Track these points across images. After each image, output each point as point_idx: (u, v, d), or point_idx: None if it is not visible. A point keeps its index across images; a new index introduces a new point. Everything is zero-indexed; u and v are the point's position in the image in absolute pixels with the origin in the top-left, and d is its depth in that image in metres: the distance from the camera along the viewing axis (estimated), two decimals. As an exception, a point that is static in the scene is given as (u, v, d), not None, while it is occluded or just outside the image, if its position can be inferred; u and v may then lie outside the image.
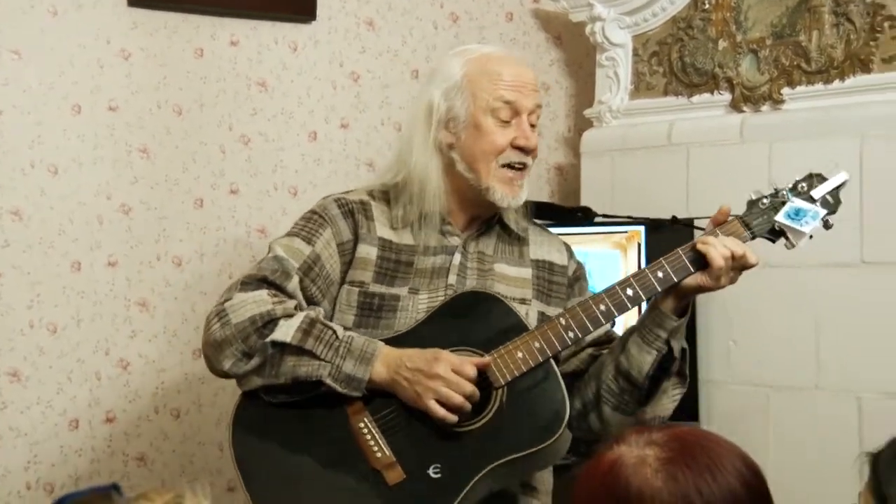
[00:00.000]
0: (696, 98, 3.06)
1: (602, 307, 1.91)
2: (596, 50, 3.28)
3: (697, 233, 2.51)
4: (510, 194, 2.00)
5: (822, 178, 1.97)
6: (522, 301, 2.03)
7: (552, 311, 2.04)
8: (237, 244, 2.98)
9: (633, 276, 1.92)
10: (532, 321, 1.98)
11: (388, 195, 2.07)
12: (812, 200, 1.95)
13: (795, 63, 2.84)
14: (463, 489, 1.83)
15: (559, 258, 2.12)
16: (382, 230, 2.03)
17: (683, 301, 1.93)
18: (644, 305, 2.00)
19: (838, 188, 1.97)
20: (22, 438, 2.69)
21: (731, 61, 2.98)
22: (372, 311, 1.97)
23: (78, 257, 2.76)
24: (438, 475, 1.85)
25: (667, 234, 2.80)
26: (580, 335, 1.91)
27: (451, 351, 1.87)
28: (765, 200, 1.96)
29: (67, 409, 2.75)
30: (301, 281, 1.96)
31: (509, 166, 2.00)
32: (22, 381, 2.69)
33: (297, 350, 1.86)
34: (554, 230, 2.25)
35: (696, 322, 2.83)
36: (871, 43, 2.70)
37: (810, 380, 2.75)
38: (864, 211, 2.66)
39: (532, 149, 2.01)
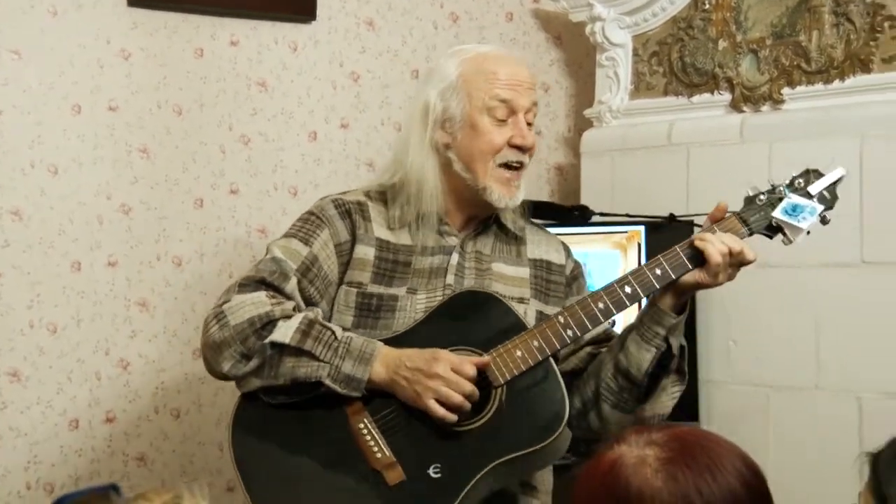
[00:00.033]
0: (696, 98, 3.07)
1: (600, 305, 1.91)
2: (596, 50, 3.28)
3: (697, 231, 2.51)
4: (507, 195, 2.00)
5: (818, 174, 1.97)
6: (520, 300, 2.03)
7: (550, 310, 2.03)
8: (237, 244, 2.98)
9: (632, 273, 1.92)
10: (530, 320, 1.98)
11: (384, 196, 2.06)
12: (809, 196, 1.95)
13: (795, 63, 2.84)
14: (463, 489, 1.83)
15: (557, 257, 2.12)
16: (380, 231, 2.02)
17: (682, 298, 1.93)
18: (644, 303, 2.00)
19: (835, 184, 1.97)
20: (22, 438, 2.69)
21: (731, 61, 2.98)
22: (370, 311, 1.97)
23: (78, 257, 2.76)
24: (438, 475, 1.85)
25: (667, 234, 2.80)
26: (579, 333, 1.91)
27: (450, 350, 1.87)
28: (762, 197, 1.96)
29: (67, 409, 2.75)
30: (299, 282, 1.96)
31: (506, 166, 1.99)
32: (22, 381, 2.69)
33: (296, 351, 1.86)
34: (554, 230, 2.24)
35: (695, 322, 2.83)
36: (871, 43, 2.70)
37: (810, 380, 2.75)
38: (864, 211, 2.66)
39: (529, 147, 2.01)
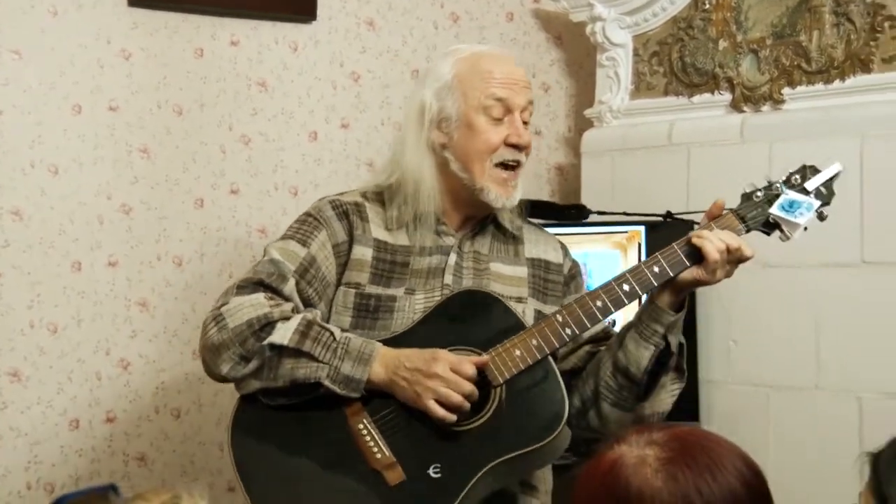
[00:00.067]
0: (696, 98, 3.07)
1: (599, 303, 1.91)
2: (596, 50, 3.28)
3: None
4: (504, 195, 1.99)
5: (815, 170, 1.97)
6: (519, 300, 2.02)
7: (548, 309, 2.03)
8: (237, 244, 2.98)
9: (630, 271, 1.92)
10: (529, 320, 1.98)
11: (381, 196, 2.06)
12: (806, 192, 1.95)
13: (796, 63, 2.84)
14: (463, 488, 1.83)
15: (554, 256, 2.12)
16: (377, 231, 2.02)
17: (680, 296, 1.93)
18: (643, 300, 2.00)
19: (832, 179, 1.97)
20: (22, 438, 2.69)
21: (731, 61, 2.98)
22: (368, 312, 1.97)
23: (78, 257, 2.77)
24: (439, 475, 1.85)
25: (668, 233, 2.80)
26: (577, 332, 1.91)
27: (449, 350, 1.87)
28: (759, 193, 1.96)
29: (68, 409, 2.75)
30: (297, 283, 1.95)
31: (503, 165, 1.99)
32: (22, 381, 2.69)
33: (295, 352, 1.86)
34: (555, 231, 2.24)
35: (696, 322, 2.83)
36: (872, 43, 2.70)
37: (810, 380, 2.75)
38: (864, 211, 2.66)
39: (526, 145, 2.00)
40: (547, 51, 3.49)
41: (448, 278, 2.00)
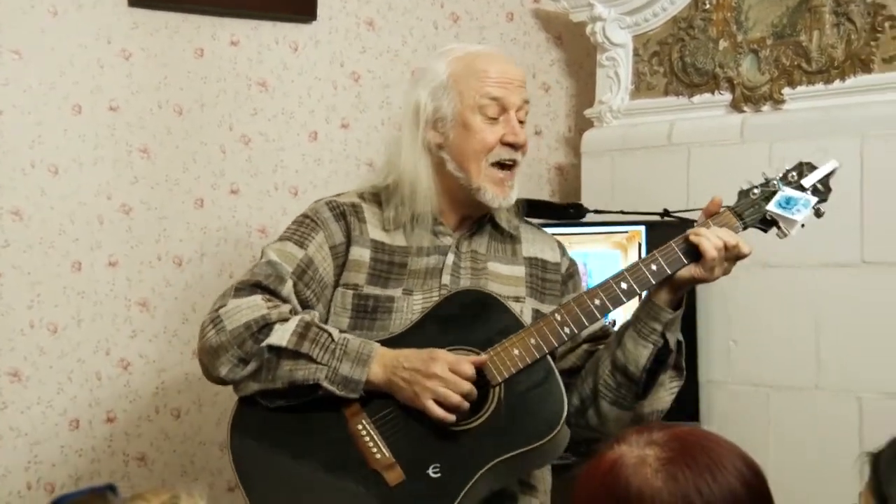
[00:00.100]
0: (696, 98, 3.07)
1: (597, 301, 1.91)
2: (596, 50, 3.28)
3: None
4: (500, 195, 1.99)
5: (811, 167, 1.98)
6: (516, 299, 2.02)
7: (546, 308, 2.03)
8: (238, 244, 2.98)
9: (628, 269, 1.93)
10: (527, 319, 1.98)
11: (378, 197, 2.06)
12: (802, 189, 1.95)
13: (796, 63, 2.84)
14: (463, 488, 1.83)
15: (552, 255, 2.12)
16: (375, 232, 2.02)
17: (678, 293, 1.93)
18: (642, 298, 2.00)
19: (828, 176, 1.97)
20: (22, 438, 2.69)
21: (731, 61, 2.98)
22: (367, 313, 1.97)
23: (78, 257, 2.77)
24: (438, 475, 1.85)
25: (667, 232, 2.80)
26: (576, 330, 1.91)
27: (448, 350, 1.87)
28: (756, 190, 1.96)
29: (68, 409, 2.75)
30: (295, 285, 1.95)
31: (499, 165, 1.99)
32: (22, 381, 2.69)
33: (294, 354, 1.85)
34: (555, 230, 2.24)
35: (696, 322, 2.83)
36: (872, 43, 2.70)
37: (810, 380, 2.75)
38: (864, 211, 2.66)
39: (522, 145, 2.00)
40: (547, 51, 3.49)
41: (446, 278, 2.00)
